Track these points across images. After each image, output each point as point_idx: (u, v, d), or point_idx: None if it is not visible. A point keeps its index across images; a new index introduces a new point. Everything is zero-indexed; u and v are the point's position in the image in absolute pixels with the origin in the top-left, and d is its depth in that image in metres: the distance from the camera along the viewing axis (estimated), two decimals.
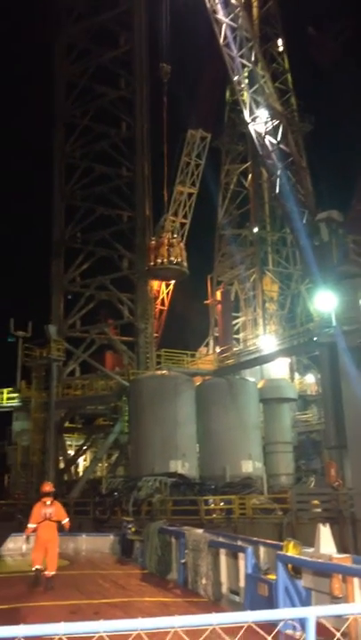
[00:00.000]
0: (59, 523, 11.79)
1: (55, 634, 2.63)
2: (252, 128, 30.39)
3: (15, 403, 39.90)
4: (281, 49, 51.78)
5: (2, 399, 40.04)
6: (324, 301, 26.16)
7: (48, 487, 12.15)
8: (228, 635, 3.07)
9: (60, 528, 11.92)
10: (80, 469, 42.90)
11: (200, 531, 11.96)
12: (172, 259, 36.79)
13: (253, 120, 30.32)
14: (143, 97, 43.59)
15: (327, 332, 25.56)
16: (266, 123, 29.81)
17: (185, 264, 38.95)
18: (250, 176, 46.92)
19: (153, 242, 36.87)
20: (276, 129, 29.78)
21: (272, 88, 32.73)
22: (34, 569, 11.51)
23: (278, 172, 28.85)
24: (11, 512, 32.63)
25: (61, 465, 39.32)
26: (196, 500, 26.48)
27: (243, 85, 31.15)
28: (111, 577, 12.44)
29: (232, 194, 47.82)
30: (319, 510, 24.30)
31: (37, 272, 62.07)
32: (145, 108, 43.67)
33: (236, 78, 31.05)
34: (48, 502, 11.76)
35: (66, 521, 11.91)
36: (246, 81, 32.10)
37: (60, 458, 39.33)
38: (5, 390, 40.16)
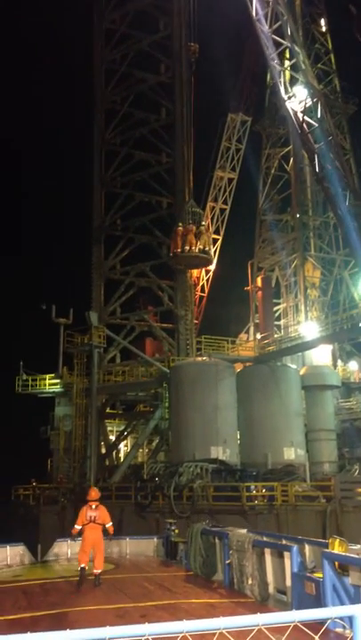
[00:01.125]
0: (103, 526, 12.37)
1: (101, 638, 2.64)
2: (288, 106, 29.76)
3: (57, 388, 40.46)
4: (324, 29, 50.50)
5: (44, 385, 40.66)
6: None
7: (95, 493, 12.69)
8: (277, 635, 3.04)
9: (105, 532, 12.49)
10: (121, 454, 43.30)
11: (244, 531, 11.81)
12: (201, 246, 34.76)
13: (290, 98, 29.75)
14: (183, 82, 43.15)
15: None
16: (301, 101, 29.16)
17: (211, 253, 38.09)
18: (291, 160, 46.04)
19: (180, 228, 34.93)
20: (314, 107, 29.06)
21: (309, 65, 31.96)
22: (79, 567, 12.11)
23: (315, 152, 28.18)
24: (54, 495, 33.23)
25: (103, 450, 39.75)
26: (238, 486, 26.36)
27: (277, 62, 30.53)
28: (157, 579, 12.41)
29: (273, 178, 47.01)
30: None
31: (78, 259, 62.60)
32: (185, 92, 43.23)
33: (269, 54, 30.41)
34: (94, 506, 12.36)
35: (109, 525, 12.50)
36: (285, 60, 31.47)
37: (102, 443, 39.76)
38: (48, 376, 40.75)
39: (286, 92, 29.71)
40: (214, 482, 27.77)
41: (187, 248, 34.14)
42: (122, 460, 40.76)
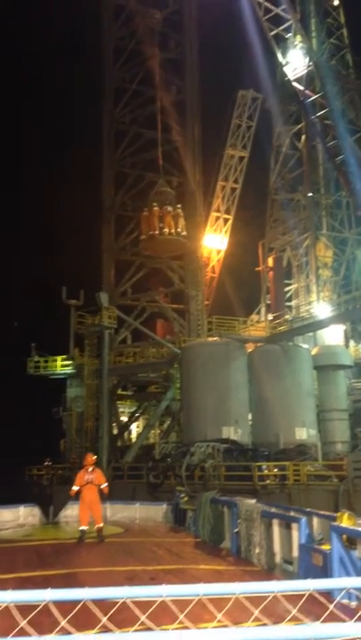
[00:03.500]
0: (99, 486, 13.66)
1: (120, 597, 2.62)
2: (286, 71, 29.53)
3: (69, 370, 40.58)
4: (336, 3, 49.26)
5: (56, 366, 40.78)
6: None
7: (90, 459, 14.14)
8: (284, 603, 3.07)
9: (101, 492, 13.72)
10: (133, 435, 43.47)
11: (253, 501, 11.90)
12: (179, 230, 30.84)
13: (286, 65, 29.53)
14: (193, 58, 42.47)
15: None
16: (296, 69, 28.90)
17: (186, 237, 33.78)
18: (303, 137, 45.31)
19: (156, 208, 30.73)
20: (311, 75, 28.77)
21: (304, 33, 31.69)
22: (80, 529, 13.30)
23: (311, 118, 27.98)
24: (67, 475, 33.46)
25: (115, 431, 39.90)
26: (250, 465, 26.35)
27: (269, 27, 30.25)
28: (165, 544, 12.55)
29: (285, 156, 46.27)
30: None
31: (89, 240, 62.21)
32: (195, 69, 42.56)
33: (261, 17, 30.13)
34: (90, 469, 13.72)
35: (104, 485, 13.76)
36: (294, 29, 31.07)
37: (114, 424, 39.90)
38: (59, 358, 40.85)
39: (283, 57, 29.51)
40: (226, 461, 27.78)
41: (166, 230, 30.51)
42: (133, 440, 40.94)
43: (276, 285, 44.12)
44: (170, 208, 30.53)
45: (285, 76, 34.44)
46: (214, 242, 47.28)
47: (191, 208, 41.53)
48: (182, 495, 15.45)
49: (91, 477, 13.61)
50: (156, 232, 30.54)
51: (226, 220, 47.43)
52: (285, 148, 46.34)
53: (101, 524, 13.37)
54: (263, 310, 45.11)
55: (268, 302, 44.81)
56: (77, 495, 13.87)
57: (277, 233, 46.26)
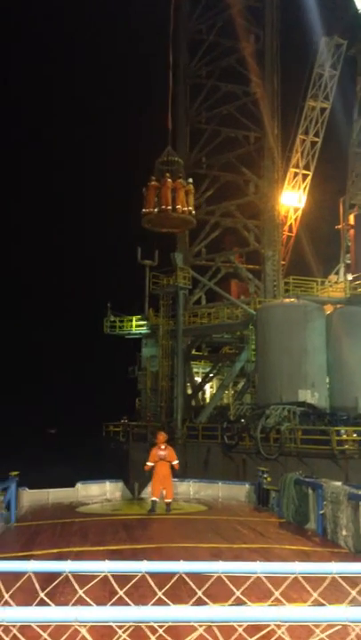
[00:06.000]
0: (170, 463, 14.45)
1: (214, 572, 2.60)
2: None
3: (144, 330, 40.94)
4: None
5: (131, 326, 41.22)
6: None
7: (162, 437, 14.85)
8: None
9: (172, 468, 14.53)
10: (207, 396, 43.59)
11: (339, 483, 11.53)
12: (191, 208, 27.49)
13: None
14: (274, 4, 40.27)
15: None
16: None
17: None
18: None
19: (169, 180, 27.02)
20: None
21: None
22: (151, 500, 14.11)
23: None
24: (143, 433, 34.10)
25: (189, 391, 40.10)
26: (328, 429, 25.71)
27: None
28: (249, 524, 12.40)
29: None
30: None
31: None
32: (276, 16, 40.42)
33: None
34: (163, 447, 14.48)
35: (175, 462, 14.57)
36: None
37: (188, 384, 40.08)
38: (134, 318, 41.23)
39: None
40: (302, 425, 27.26)
41: (179, 207, 26.98)
42: (208, 401, 41.06)
43: (358, 244, 42.19)
44: (183, 182, 27.27)
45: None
46: (292, 199, 45.58)
47: (269, 164, 40.15)
48: (265, 475, 15.25)
49: (164, 454, 14.36)
50: (169, 207, 27.05)
51: (305, 177, 45.50)
52: None
53: (171, 499, 14.17)
54: (342, 270, 43.37)
55: (348, 262, 43.00)
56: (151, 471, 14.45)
57: (359, 189, 43.97)
